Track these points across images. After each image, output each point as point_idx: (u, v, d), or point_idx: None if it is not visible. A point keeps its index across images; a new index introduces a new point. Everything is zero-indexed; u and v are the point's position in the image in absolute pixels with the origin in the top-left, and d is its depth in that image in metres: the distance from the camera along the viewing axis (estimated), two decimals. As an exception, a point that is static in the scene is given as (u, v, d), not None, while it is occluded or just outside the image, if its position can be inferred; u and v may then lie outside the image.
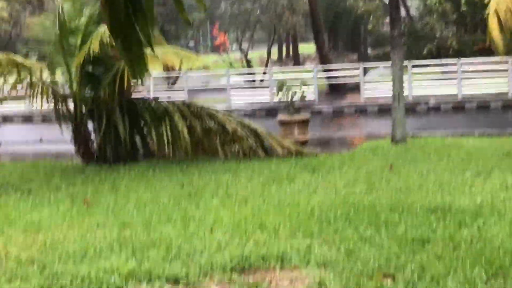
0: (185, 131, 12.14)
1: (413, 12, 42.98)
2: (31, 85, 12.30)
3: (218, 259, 5.71)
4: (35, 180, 10.83)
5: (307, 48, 48.71)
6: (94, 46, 11.59)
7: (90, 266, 5.66)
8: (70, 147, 13.28)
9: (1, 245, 6.56)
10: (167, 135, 12.17)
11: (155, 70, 13.19)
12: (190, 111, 12.58)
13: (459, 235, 6.18)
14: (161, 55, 11.91)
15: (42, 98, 12.42)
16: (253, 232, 6.64)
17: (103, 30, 11.33)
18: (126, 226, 7.18)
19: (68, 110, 12.71)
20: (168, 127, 12.21)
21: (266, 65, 33.87)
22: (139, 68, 3.58)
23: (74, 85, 12.44)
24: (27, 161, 13.69)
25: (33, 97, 12.31)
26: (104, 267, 5.60)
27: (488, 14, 10.52)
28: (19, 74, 12.04)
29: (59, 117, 12.78)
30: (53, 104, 12.68)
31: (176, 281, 5.29)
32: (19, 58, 12.54)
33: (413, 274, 5.13)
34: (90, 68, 12.55)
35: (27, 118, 24.89)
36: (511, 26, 10.30)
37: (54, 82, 12.86)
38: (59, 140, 13.60)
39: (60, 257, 6.06)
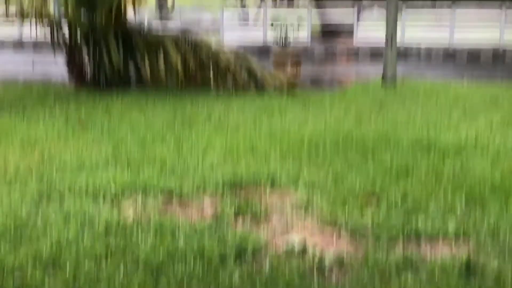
0: (179, 62, 12.15)
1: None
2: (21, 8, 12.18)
3: (211, 176, 5.93)
4: (28, 101, 10.86)
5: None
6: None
7: (87, 176, 5.86)
8: (62, 73, 13.29)
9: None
10: (160, 65, 12.21)
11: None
12: (185, 42, 12.56)
13: (442, 166, 6.40)
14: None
15: (36, 21, 12.32)
16: (244, 155, 6.84)
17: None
18: (121, 143, 7.37)
19: (62, 34, 12.62)
20: (162, 57, 12.23)
21: (260, 4, 33.63)
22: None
23: (70, 9, 12.32)
24: (19, 84, 13.65)
25: (25, 19, 12.18)
26: (101, 177, 5.81)
27: None
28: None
29: (53, 41, 12.71)
30: (47, 29, 12.57)
31: (170, 193, 5.49)
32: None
33: (396, 197, 5.37)
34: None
35: (18, 44, 24.52)
36: None
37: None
38: (52, 65, 13.62)
39: (58, 167, 6.26)
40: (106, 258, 4.10)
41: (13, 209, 4.96)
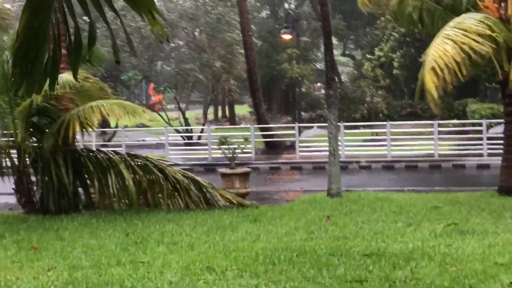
0: (131, 182, 12.25)
1: (344, 78, 44.80)
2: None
3: (170, 298, 5.96)
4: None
5: (241, 109, 49.80)
6: (36, 97, 11.74)
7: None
8: (10, 199, 13.19)
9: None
10: (112, 186, 12.26)
11: (94, 125, 13.19)
12: (135, 162, 12.71)
13: (394, 275, 6.58)
14: (106, 108, 12.07)
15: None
16: (201, 273, 6.87)
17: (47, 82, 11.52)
18: (76, 268, 7.28)
19: (11, 160, 12.63)
20: (113, 178, 12.30)
21: (204, 124, 34.39)
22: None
23: (19, 136, 12.41)
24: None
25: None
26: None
27: (423, 72, 11.02)
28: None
29: (1, 168, 12.69)
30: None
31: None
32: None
33: (354, 308, 5.51)
34: (35, 119, 12.61)
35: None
36: (448, 81, 10.88)
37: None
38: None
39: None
40: None
41: None
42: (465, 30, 11.41)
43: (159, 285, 6.43)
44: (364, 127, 27.65)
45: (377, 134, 26.98)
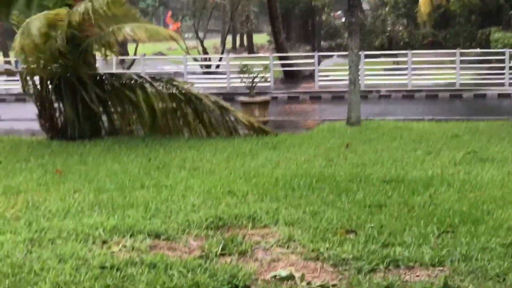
0: (156, 105, 12.36)
1: (365, 6, 43.99)
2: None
3: (194, 218, 6.09)
4: (2, 153, 10.91)
5: (260, 38, 49.25)
6: (74, 17, 11.73)
7: (74, 222, 5.99)
8: (32, 125, 13.38)
9: (-17, 204, 6.82)
10: (133, 111, 12.40)
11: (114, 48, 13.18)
12: (158, 86, 12.74)
13: (412, 201, 6.70)
14: (128, 30, 12.03)
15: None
16: (223, 197, 7.04)
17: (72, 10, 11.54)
18: (101, 191, 7.49)
19: (35, 86, 12.74)
20: (135, 102, 12.41)
21: (222, 53, 34.19)
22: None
23: (42, 62, 12.48)
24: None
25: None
26: (88, 223, 5.93)
27: None
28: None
29: (26, 93, 12.85)
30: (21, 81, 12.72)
31: (157, 235, 5.63)
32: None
33: (373, 230, 5.63)
34: (59, 43, 12.51)
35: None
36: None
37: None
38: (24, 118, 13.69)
39: (44, 215, 6.37)
40: (106, 296, 4.27)
41: (7, 256, 5.07)
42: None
43: (182, 207, 6.59)
44: (385, 55, 27.28)
45: (397, 63, 26.72)
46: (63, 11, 11.70)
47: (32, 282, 4.53)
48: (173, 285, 4.39)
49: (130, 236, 5.61)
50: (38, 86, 12.71)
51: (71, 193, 7.39)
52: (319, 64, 25.17)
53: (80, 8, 11.55)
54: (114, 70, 26.71)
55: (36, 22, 11.64)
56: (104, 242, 5.48)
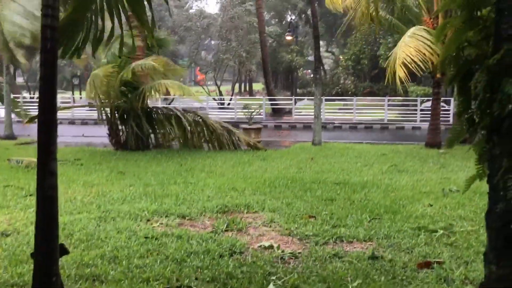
0: (188, 127, 12.34)
1: (326, 66, 44.11)
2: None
3: (208, 205, 6.08)
4: (83, 159, 10.86)
5: (257, 85, 49.34)
6: (127, 74, 11.77)
7: (129, 206, 5.97)
8: (104, 140, 13.31)
9: (70, 193, 6.78)
10: (172, 132, 12.37)
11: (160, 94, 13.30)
12: (187, 115, 12.74)
13: (353, 197, 6.68)
14: (169, 85, 12.19)
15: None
16: (229, 191, 7.02)
17: (134, 65, 11.54)
18: (148, 185, 7.47)
19: (106, 115, 12.72)
20: (173, 126, 12.40)
21: (231, 95, 34.20)
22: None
23: (112, 98, 12.45)
24: (76, 147, 13.59)
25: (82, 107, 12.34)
26: (138, 207, 5.92)
27: (392, 65, 11.30)
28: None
29: (101, 121, 12.80)
30: (97, 112, 12.67)
31: (183, 216, 5.63)
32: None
33: (327, 216, 5.62)
34: (123, 88, 12.58)
35: (71, 122, 24.30)
36: (411, 72, 11.28)
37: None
38: (99, 135, 13.59)
39: (109, 201, 6.34)
40: (147, 256, 4.24)
41: (83, 228, 5.05)
42: (418, 39, 11.32)
43: (201, 198, 6.57)
44: (338, 100, 27.30)
45: (346, 105, 26.69)
46: (114, 69, 11.87)
47: (99, 245, 4.51)
48: (192, 250, 4.37)
49: (165, 216, 5.60)
50: (109, 115, 12.65)
51: (127, 187, 7.36)
52: (295, 104, 25.17)
53: (132, 66, 11.64)
54: (160, 104, 26.56)
55: (100, 73, 11.68)
56: (148, 220, 5.46)
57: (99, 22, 3.23)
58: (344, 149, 12.54)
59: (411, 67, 11.04)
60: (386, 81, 12.02)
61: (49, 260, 2.59)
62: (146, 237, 4.71)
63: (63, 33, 3.10)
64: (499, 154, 1.61)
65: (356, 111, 22.96)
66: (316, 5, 13.78)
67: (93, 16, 3.18)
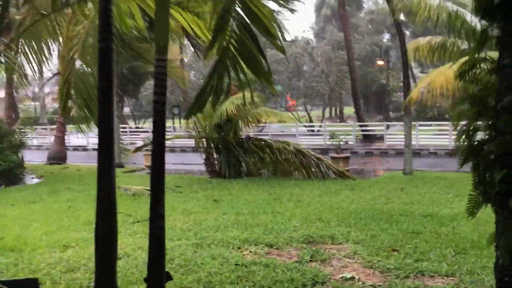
0: (279, 157, 12.89)
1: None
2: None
3: (295, 235, 6.43)
4: (182, 186, 11.80)
5: (349, 109, 48.96)
6: (223, 112, 12.66)
7: (222, 234, 6.53)
8: (201, 167, 14.26)
9: (171, 220, 7.53)
10: (262, 161, 12.98)
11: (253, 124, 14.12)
12: (277, 145, 13.30)
13: (440, 230, 6.65)
14: (262, 114, 12.90)
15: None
16: (314, 222, 7.32)
17: (228, 103, 12.45)
18: (240, 214, 8.01)
19: (203, 145, 13.68)
20: (265, 155, 13.01)
21: (321, 121, 34.48)
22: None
23: (208, 131, 13.42)
24: (176, 175, 14.71)
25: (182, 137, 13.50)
26: (230, 235, 6.44)
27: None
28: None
29: (198, 149, 13.80)
30: (194, 141, 13.71)
31: (271, 246, 6.04)
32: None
33: (410, 250, 5.72)
34: (219, 121, 13.48)
35: (172, 149, 25.96)
36: None
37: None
38: (196, 163, 14.64)
39: (204, 228, 6.95)
40: (238, 282, 4.72)
41: (182, 254, 5.67)
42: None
43: (287, 228, 6.94)
44: (435, 124, 26.29)
45: (442, 130, 25.63)
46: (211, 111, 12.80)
47: (196, 271, 5.09)
48: (278, 278, 4.76)
49: (254, 245, 6.04)
50: (205, 145, 13.62)
51: (221, 215, 7.95)
52: (387, 129, 24.78)
53: (225, 105, 12.50)
54: (251, 131, 27.59)
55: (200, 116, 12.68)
56: (239, 248, 5.95)
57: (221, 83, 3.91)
58: (435, 179, 12.22)
59: None
60: None
61: (158, 285, 3.18)
62: (236, 264, 5.20)
63: (197, 99, 3.85)
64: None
65: (453, 137, 22.00)
66: (411, 27, 13.78)
67: (217, 80, 3.86)
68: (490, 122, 1.49)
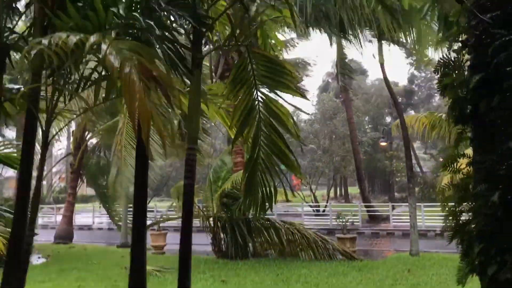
0: (282, 238, 12.98)
1: (425, 169, 43.20)
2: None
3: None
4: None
5: (353, 189, 49.20)
6: (227, 186, 13.04)
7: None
8: (207, 247, 14.27)
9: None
10: (268, 241, 13.06)
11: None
12: (283, 225, 13.43)
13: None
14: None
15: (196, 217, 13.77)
16: (323, 303, 7.42)
17: (235, 176, 12.80)
18: (248, 295, 8.10)
19: (209, 224, 13.84)
20: (271, 235, 13.11)
21: (327, 201, 34.57)
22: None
23: (215, 210, 13.68)
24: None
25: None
26: (240, 315, 6.54)
27: None
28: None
29: (204, 229, 13.94)
30: (200, 220, 13.90)
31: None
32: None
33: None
34: (224, 200, 13.80)
35: (176, 229, 26.02)
36: None
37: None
38: (202, 243, 14.68)
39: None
40: None
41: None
42: None
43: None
44: (439, 206, 26.32)
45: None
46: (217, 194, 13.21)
47: None
48: None
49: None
50: (212, 224, 13.76)
51: (229, 295, 8.03)
52: (393, 210, 24.85)
53: (232, 178, 12.89)
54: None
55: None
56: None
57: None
58: (443, 260, 12.21)
59: None
60: None
61: None
62: None
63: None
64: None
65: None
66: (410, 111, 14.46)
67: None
68: (471, 205, 1.79)
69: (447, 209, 1.81)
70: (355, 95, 39.79)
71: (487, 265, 1.68)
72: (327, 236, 13.90)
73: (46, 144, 3.87)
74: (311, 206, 31.18)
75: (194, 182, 3.52)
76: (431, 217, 23.47)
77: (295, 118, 5.36)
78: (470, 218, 1.71)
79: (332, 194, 47.42)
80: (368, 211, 26.65)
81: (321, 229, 23.59)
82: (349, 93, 29.16)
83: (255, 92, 4.38)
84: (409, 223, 13.79)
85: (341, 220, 15.11)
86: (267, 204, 4.74)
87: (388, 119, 47.34)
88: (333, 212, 23.53)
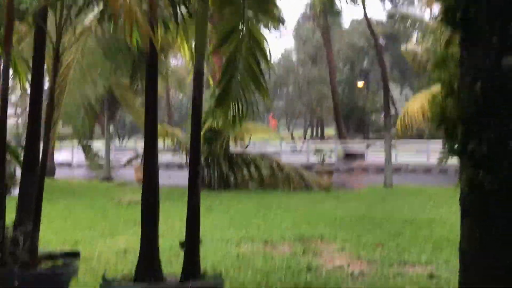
0: (263, 171, 13.44)
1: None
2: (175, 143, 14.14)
3: (287, 234, 6.98)
4: (174, 197, 12.18)
5: (329, 130, 50.06)
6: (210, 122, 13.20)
7: (220, 233, 6.98)
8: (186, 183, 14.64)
9: (170, 223, 7.94)
10: (249, 173, 13.51)
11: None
12: (264, 159, 13.88)
13: (419, 232, 7.25)
14: (252, 128, 13.52)
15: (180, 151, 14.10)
16: (304, 224, 7.86)
17: (218, 113, 12.97)
18: (233, 218, 8.51)
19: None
20: (251, 168, 13.54)
21: (304, 140, 35.37)
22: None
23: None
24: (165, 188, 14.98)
25: (175, 151, 14.06)
26: (228, 234, 6.93)
27: None
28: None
29: (183, 165, 14.24)
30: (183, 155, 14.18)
31: (266, 242, 6.56)
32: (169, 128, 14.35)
33: (393, 246, 6.30)
34: (208, 135, 13.99)
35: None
36: None
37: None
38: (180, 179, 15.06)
39: (202, 229, 7.28)
40: (240, 270, 5.20)
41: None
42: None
43: (279, 228, 7.48)
44: (415, 142, 27.14)
45: (420, 148, 26.46)
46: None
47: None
48: (276, 266, 5.29)
49: (251, 241, 6.56)
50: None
51: (216, 219, 8.38)
52: (367, 148, 25.68)
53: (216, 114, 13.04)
54: (239, 148, 28.06)
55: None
56: (237, 244, 6.46)
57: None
58: (415, 191, 12.86)
59: None
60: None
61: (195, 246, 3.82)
62: (237, 256, 5.70)
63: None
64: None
65: (432, 155, 22.80)
66: (389, 51, 14.68)
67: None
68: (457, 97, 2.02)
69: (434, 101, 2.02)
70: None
71: (467, 143, 1.96)
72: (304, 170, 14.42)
73: (58, 57, 3.95)
74: (288, 144, 31.75)
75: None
76: (406, 153, 24.39)
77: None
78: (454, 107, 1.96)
79: (308, 135, 48.25)
80: (343, 148, 27.34)
81: (299, 165, 24.26)
82: (329, 34, 28.99)
83: (242, 12, 4.47)
84: (384, 160, 14.35)
85: (319, 154, 15.58)
86: (237, 120, 4.90)
87: (366, 59, 47.46)
88: (311, 150, 24.02)
